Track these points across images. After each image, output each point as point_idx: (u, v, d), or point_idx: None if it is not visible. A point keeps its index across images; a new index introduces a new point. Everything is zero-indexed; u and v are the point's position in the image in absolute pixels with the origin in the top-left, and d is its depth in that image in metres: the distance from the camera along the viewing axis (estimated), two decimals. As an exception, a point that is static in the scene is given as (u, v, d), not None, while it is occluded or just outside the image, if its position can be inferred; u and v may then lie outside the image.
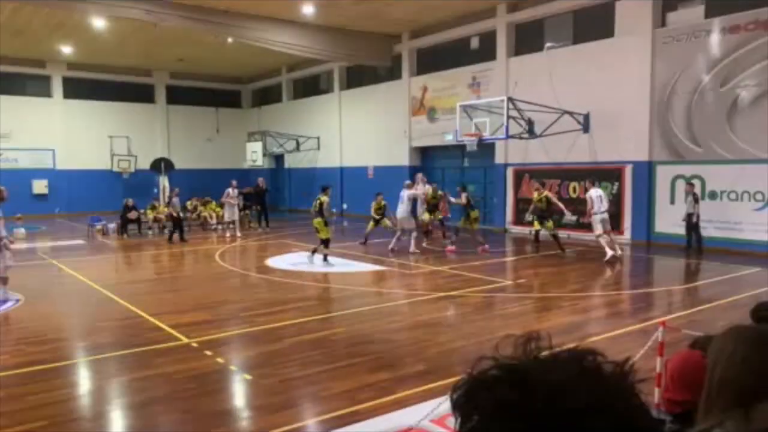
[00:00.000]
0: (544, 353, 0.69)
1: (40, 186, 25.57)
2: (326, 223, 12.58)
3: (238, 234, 18.07)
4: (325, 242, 12.63)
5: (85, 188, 25.73)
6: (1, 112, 24.41)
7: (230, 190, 18.59)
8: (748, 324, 1.35)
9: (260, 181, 20.98)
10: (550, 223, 13.80)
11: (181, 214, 17.48)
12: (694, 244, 13.45)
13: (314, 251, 12.72)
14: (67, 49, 22.93)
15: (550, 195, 14.26)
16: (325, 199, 12.64)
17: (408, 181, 15.33)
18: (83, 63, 25.47)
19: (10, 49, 22.45)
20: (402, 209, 14.17)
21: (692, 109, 14.12)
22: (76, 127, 26.24)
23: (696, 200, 13.38)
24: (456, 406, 0.68)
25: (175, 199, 17.36)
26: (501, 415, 0.64)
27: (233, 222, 18.45)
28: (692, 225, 13.39)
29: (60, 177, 25.92)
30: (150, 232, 18.67)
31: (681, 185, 14.45)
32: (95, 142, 26.56)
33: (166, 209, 19.38)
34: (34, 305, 9.10)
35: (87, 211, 22.41)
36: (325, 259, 12.57)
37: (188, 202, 20.87)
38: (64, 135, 26.07)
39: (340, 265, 12.76)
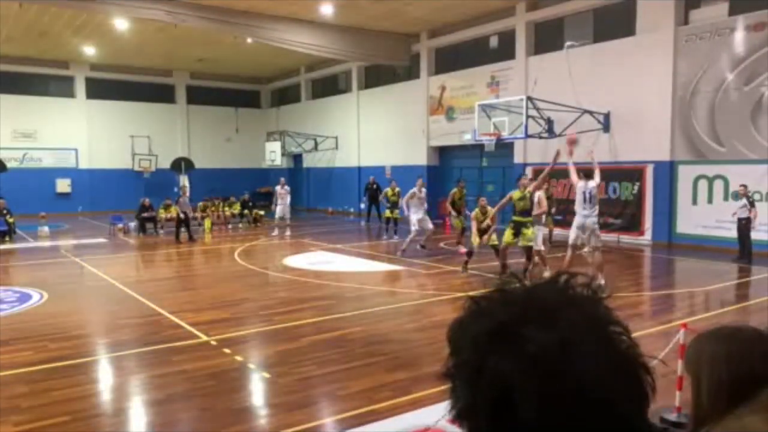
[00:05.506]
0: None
1: (63, 185, 25.99)
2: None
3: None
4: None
5: (107, 187, 26.11)
6: (26, 113, 24.91)
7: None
8: (710, 329, 1.38)
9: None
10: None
11: (190, 214, 17.59)
12: (745, 250, 12.28)
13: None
14: (89, 50, 23.27)
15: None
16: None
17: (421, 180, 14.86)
18: (105, 64, 25.84)
19: (35, 50, 22.88)
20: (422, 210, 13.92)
21: (715, 108, 13.89)
22: (99, 126, 26.64)
23: (752, 204, 12.26)
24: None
25: (183, 199, 17.43)
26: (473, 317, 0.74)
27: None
28: (745, 230, 12.29)
29: (83, 176, 26.33)
30: (161, 232, 18.85)
31: (703, 185, 14.23)
32: (117, 142, 26.94)
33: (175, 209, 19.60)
34: (57, 302, 9.25)
35: (109, 209, 22.72)
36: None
37: (200, 203, 20.90)
38: (86, 135, 26.47)
39: (356, 264, 12.78)
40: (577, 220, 10.05)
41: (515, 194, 10.76)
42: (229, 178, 27.58)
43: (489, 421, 0.68)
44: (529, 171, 17.99)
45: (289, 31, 19.10)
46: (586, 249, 11.31)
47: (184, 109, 29.06)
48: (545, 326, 0.69)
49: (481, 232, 11.54)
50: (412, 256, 13.26)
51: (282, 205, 18.88)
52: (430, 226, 13.83)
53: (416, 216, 13.57)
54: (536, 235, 10.80)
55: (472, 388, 0.70)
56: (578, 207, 10.02)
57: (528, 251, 10.59)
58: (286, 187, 19.25)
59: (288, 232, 18.33)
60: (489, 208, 11.70)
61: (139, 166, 27.30)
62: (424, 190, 14.10)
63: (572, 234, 10.14)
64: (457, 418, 0.72)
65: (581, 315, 0.71)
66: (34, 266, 12.91)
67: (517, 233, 10.53)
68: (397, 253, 13.47)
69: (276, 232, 18.33)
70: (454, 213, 14.68)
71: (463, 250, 13.39)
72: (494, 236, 11.54)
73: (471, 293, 0.77)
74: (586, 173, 10.08)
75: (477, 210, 11.71)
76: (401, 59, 21.84)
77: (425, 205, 14.16)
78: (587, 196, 9.84)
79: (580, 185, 9.95)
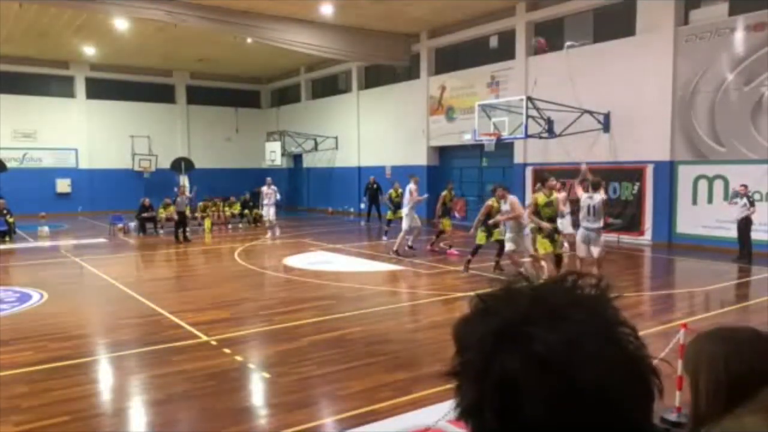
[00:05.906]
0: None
1: (63, 185, 25.99)
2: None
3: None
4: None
5: (107, 187, 26.11)
6: (26, 113, 24.91)
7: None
8: (708, 330, 1.39)
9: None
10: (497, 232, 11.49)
11: (187, 213, 17.56)
12: (745, 250, 12.36)
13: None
14: (89, 50, 23.26)
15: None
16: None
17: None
18: (105, 64, 25.84)
19: (35, 50, 22.88)
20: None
21: (715, 108, 13.90)
22: (99, 127, 26.64)
23: (752, 203, 12.29)
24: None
25: (180, 199, 17.39)
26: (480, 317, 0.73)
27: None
28: (745, 229, 12.31)
29: (83, 176, 26.32)
30: (161, 232, 18.84)
31: (703, 185, 14.23)
32: (117, 142, 26.95)
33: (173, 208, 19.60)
34: (57, 302, 9.24)
35: (109, 209, 22.71)
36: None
37: (200, 203, 20.84)
38: (86, 135, 26.48)
39: (356, 264, 12.77)
40: (581, 233, 10.03)
41: (540, 198, 10.08)
42: (229, 178, 27.58)
43: (494, 419, 0.68)
44: (529, 171, 18.01)
45: (289, 31, 19.10)
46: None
47: (184, 109, 29.05)
48: (552, 326, 0.68)
49: (490, 226, 11.34)
50: (412, 256, 13.27)
51: (267, 206, 18.46)
52: (419, 223, 13.99)
53: (411, 213, 13.68)
54: (512, 239, 10.77)
55: (478, 387, 0.69)
56: (582, 219, 10.01)
57: (559, 259, 10.17)
58: (273, 187, 18.72)
59: (277, 232, 18.09)
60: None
61: (139, 166, 27.29)
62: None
63: (579, 248, 10.13)
64: (462, 416, 0.71)
65: (589, 315, 0.71)
66: (34, 266, 12.91)
67: (551, 240, 9.95)
68: (390, 253, 13.52)
69: (269, 234, 18.29)
70: (446, 217, 14.54)
71: (455, 252, 13.50)
72: (500, 230, 11.39)
73: (478, 291, 0.76)
74: (593, 185, 9.98)
75: (493, 199, 11.24)
76: (401, 59, 21.84)
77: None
78: (592, 209, 9.79)
79: (584, 198, 9.91)
